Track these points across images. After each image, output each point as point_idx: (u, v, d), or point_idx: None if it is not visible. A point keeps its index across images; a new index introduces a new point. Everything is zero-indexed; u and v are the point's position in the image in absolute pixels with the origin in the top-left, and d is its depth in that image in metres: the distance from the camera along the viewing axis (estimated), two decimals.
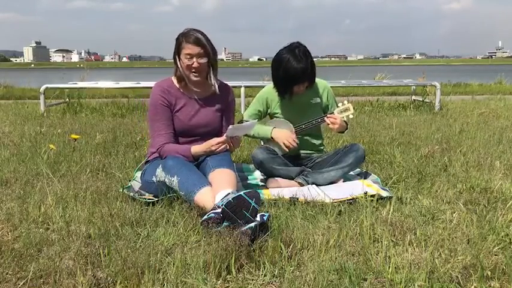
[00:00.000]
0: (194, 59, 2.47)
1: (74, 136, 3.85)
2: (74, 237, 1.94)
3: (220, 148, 2.43)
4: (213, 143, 2.44)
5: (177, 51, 2.51)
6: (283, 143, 2.82)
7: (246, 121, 2.86)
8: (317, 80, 2.95)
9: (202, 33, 2.49)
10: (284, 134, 2.84)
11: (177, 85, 2.61)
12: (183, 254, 1.76)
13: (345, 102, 2.86)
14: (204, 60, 2.49)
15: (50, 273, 1.63)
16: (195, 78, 2.53)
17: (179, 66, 2.52)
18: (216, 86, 2.61)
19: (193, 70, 2.50)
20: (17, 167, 3.21)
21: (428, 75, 9.88)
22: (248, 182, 2.94)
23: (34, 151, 3.69)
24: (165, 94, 2.56)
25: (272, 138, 2.88)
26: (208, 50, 2.49)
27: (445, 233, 1.98)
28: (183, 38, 2.48)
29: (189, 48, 2.46)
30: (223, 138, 2.43)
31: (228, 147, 2.48)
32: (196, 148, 2.48)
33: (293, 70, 2.69)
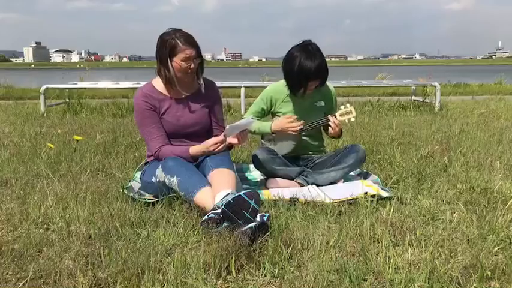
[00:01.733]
0: (191, 62, 2.45)
1: (76, 137, 3.83)
2: (74, 237, 1.94)
3: (218, 148, 2.42)
4: (210, 143, 2.43)
5: (170, 54, 2.42)
6: (290, 131, 2.80)
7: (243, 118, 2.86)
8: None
9: (188, 33, 2.47)
10: (284, 123, 2.82)
11: (159, 88, 2.57)
12: (183, 255, 1.76)
13: (347, 105, 2.85)
14: (198, 61, 2.48)
15: (50, 274, 1.63)
16: (188, 80, 2.51)
17: (171, 68, 2.44)
18: (203, 85, 2.59)
19: (189, 72, 2.47)
20: (17, 167, 3.21)
21: (428, 75, 9.88)
22: (248, 182, 2.95)
23: (34, 151, 3.69)
24: (147, 99, 2.53)
25: (274, 132, 2.87)
26: (200, 50, 2.48)
27: (445, 233, 1.98)
28: (177, 40, 2.40)
29: (187, 51, 2.41)
30: (220, 137, 2.42)
31: (230, 143, 2.48)
32: (195, 149, 2.47)
33: (308, 66, 2.69)
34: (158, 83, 2.58)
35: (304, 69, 2.70)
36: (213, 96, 2.68)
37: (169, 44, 2.42)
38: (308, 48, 2.74)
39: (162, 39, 2.45)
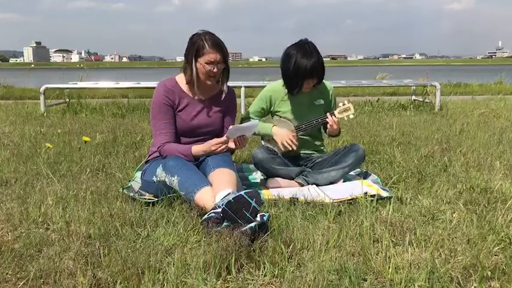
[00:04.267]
0: (215, 66, 2.46)
1: (85, 138, 3.81)
2: (74, 237, 1.94)
3: (220, 148, 2.43)
4: (212, 143, 2.44)
5: (196, 55, 2.46)
6: (282, 144, 2.83)
7: (247, 120, 2.87)
8: (323, 81, 2.95)
9: (218, 37, 2.49)
10: (284, 134, 2.84)
11: (181, 85, 2.60)
12: (183, 254, 1.77)
13: (345, 102, 2.85)
14: (223, 66, 2.51)
15: (50, 274, 1.63)
16: (209, 83, 2.53)
17: (194, 69, 2.48)
18: (225, 92, 2.63)
19: (212, 75, 2.49)
20: (17, 167, 3.21)
21: (426, 74, 9.88)
22: (248, 182, 2.95)
23: (34, 151, 3.69)
24: (168, 94, 2.56)
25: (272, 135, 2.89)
26: (227, 56, 2.51)
27: (445, 233, 1.98)
28: (205, 43, 2.43)
29: (212, 54, 2.43)
30: (223, 138, 2.43)
31: (228, 147, 2.48)
32: (197, 148, 2.48)
33: (304, 65, 2.70)
34: (181, 80, 2.61)
35: (300, 67, 2.71)
36: (231, 103, 2.72)
37: (197, 45, 2.45)
38: (304, 47, 2.75)
39: (191, 39, 2.49)
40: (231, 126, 2.40)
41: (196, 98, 2.61)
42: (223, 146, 2.44)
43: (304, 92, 2.85)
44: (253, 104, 3.01)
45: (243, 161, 3.53)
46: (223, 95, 2.64)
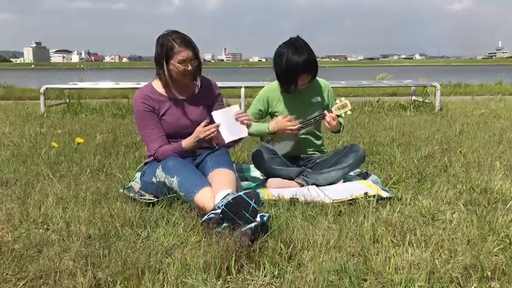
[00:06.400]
0: (188, 64, 2.44)
1: (78, 140, 3.81)
2: (74, 237, 1.94)
3: (209, 132, 2.38)
4: (200, 130, 2.41)
5: (167, 57, 2.42)
6: (288, 129, 2.82)
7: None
8: (318, 79, 2.95)
9: (185, 35, 2.46)
10: (282, 123, 2.84)
11: (158, 89, 2.58)
12: (183, 255, 1.77)
13: (342, 98, 2.85)
14: (196, 63, 2.48)
15: (50, 274, 1.63)
16: (186, 81, 2.51)
17: (167, 71, 2.44)
18: (198, 87, 2.58)
19: (186, 73, 2.46)
20: (17, 167, 3.21)
21: (428, 75, 9.88)
22: (248, 182, 2.94)
23: (34, 151, 3.69)
24: (146, 100, 2.53)
25: (272, 133, 2.89)
26: (198, 52, 2.48)
27: (445, 233, 1.98)
28: (173, 43, 2.39)
29: (183, 53, 2.40)
30: (204, 123, 2.42)
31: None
32: (186, 141, 2.46)
33: (295, 61, 2.71)
34: (158, 84, 2.59)
35: (292, 63, 2.72)
36: (213, 95, 2.68)
37: (165, 46, 2.41)
38: (295, 44, 2.77)
39: (159, 41, 2.45)
40: (213, 112, 2.40)
41: (176, 99, 2.56)
42: (212, 130, 2.39)
43: (300, 91, 2.85)
44: (251, 106, 3.01)
45: (243, 161, 3.53)
46: (197, 89, 2.58)
